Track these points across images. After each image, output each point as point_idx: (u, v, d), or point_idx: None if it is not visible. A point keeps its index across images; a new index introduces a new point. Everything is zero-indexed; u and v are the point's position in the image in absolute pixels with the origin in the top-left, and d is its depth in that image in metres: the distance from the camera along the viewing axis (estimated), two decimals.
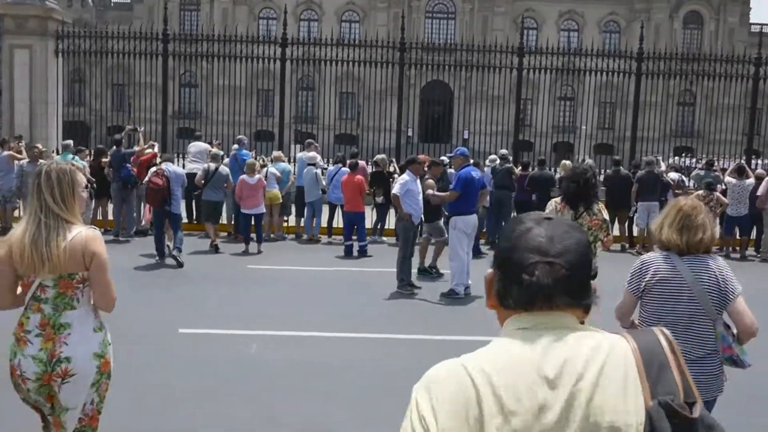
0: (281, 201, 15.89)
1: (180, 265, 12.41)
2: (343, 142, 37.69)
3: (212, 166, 14.60)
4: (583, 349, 1.61)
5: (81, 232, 3.89)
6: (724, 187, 16.01)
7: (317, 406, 6.39)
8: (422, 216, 11.92)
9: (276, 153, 17.31)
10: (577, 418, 1.56)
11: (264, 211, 14.77)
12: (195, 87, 56.39)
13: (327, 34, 23.71)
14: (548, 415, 1.56)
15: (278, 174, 15.79)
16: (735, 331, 4.05)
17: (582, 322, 1.70)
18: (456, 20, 69.92)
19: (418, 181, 11.83)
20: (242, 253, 14.12)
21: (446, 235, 11.83)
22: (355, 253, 14.48)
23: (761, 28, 44.30)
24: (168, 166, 13.15)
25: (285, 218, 16.89)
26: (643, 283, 4.15)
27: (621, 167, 16.99)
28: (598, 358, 1.60)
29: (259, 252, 14.27)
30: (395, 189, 11.55)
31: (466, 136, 36.71)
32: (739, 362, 4.07)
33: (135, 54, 20.87)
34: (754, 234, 16.40)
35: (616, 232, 14.25)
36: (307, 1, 69.14)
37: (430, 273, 12.55)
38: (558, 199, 7.20)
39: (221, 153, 15.63)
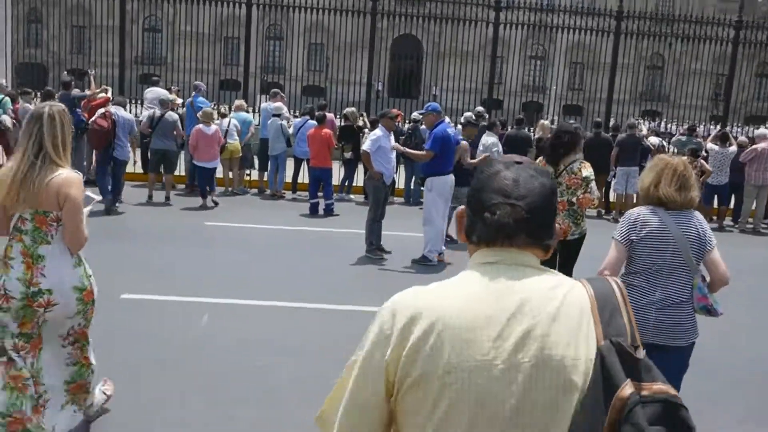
0: (241, 154, 14.99)
1: (112, 210, 12.23)
2: (310, 94, 36.66)
3: (158, 112, 13.64)
4: (542, 286, 1.69)
5: (61, 174, 4.04)
6: (705, 153, 15.40)
7: (272, 387, 5.66)
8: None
9: (238, 102, 16.32)
10: (531, 349, 1.60)
11: (218, 165, 13.89)
12: (158, 32, 54.63)
13: None
14: (504, 345, 1.60)
15: (238, 126, 14.88)
16: (708, 280, 4.32)
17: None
18: None
19: (392, 137, 11.01)
20: (199, 208, 13.26)
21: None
22: (321, 212, 13.68)
23: None
24: (118, 111, 12.43)
25: (247, 172, 16.01)
26: (634, 235, 4.27)
27: (602, 130, 16.30)
28: (557, 295, 1.67)
29: (215, 204, 13.42)
30: (366, 145, 10.67)
31: (435, 93, 35.98)
32: (712, 311, 4.30)
33: None
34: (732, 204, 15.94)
35: None
36: None
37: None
38: (542, 158, 7.36)
39: (172, 99, 14.70)
